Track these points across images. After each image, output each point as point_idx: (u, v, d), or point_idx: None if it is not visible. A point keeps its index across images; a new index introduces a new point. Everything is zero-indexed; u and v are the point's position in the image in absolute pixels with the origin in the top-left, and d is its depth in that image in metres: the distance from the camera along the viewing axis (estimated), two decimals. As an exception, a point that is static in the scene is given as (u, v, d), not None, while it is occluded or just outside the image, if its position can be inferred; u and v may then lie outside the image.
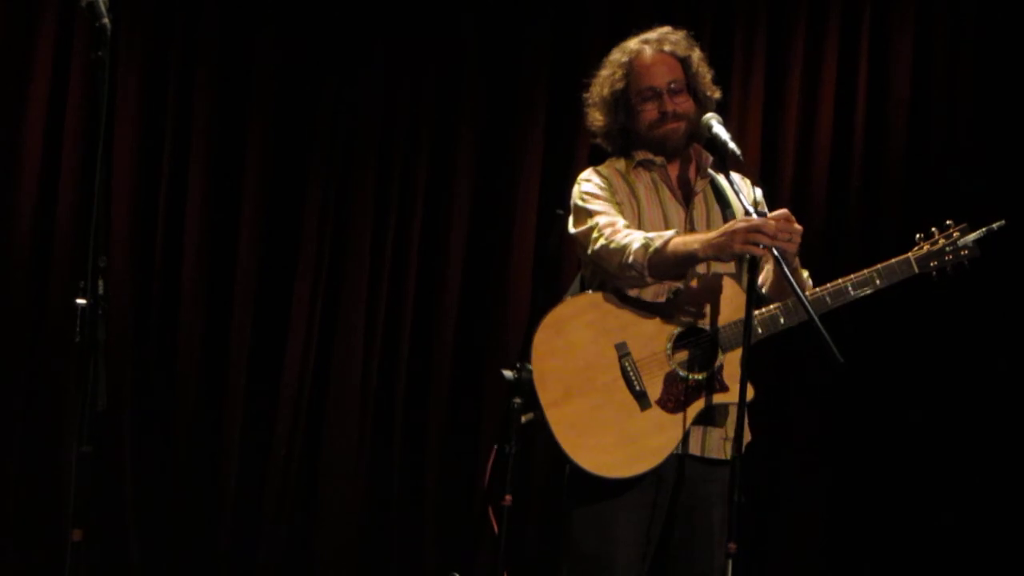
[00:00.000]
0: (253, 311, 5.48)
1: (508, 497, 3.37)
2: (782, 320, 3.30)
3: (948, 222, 3.46)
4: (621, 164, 3.49)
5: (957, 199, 5.12)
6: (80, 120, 5.23)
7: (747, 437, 3.16)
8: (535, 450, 4.66)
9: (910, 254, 3.42)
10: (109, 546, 5.17)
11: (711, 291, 3.31)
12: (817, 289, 3.35)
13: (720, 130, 3.31)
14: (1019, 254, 4.87)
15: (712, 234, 3.21)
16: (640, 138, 3.46)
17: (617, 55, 3.49)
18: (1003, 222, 3.42)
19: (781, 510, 5.38)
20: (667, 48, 3.44)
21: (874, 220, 5.43)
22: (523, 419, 3.34)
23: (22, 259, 5.22)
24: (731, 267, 3.38)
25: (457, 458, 5.52)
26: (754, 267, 3.19)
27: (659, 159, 3.45)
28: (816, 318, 3.06)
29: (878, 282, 3.36)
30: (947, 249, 3.42)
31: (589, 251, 3.34)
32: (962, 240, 3.43)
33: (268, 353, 5.48)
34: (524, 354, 3.30)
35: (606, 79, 3.48)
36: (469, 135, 5.64)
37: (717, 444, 3.35)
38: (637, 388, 3.26)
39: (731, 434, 3.32)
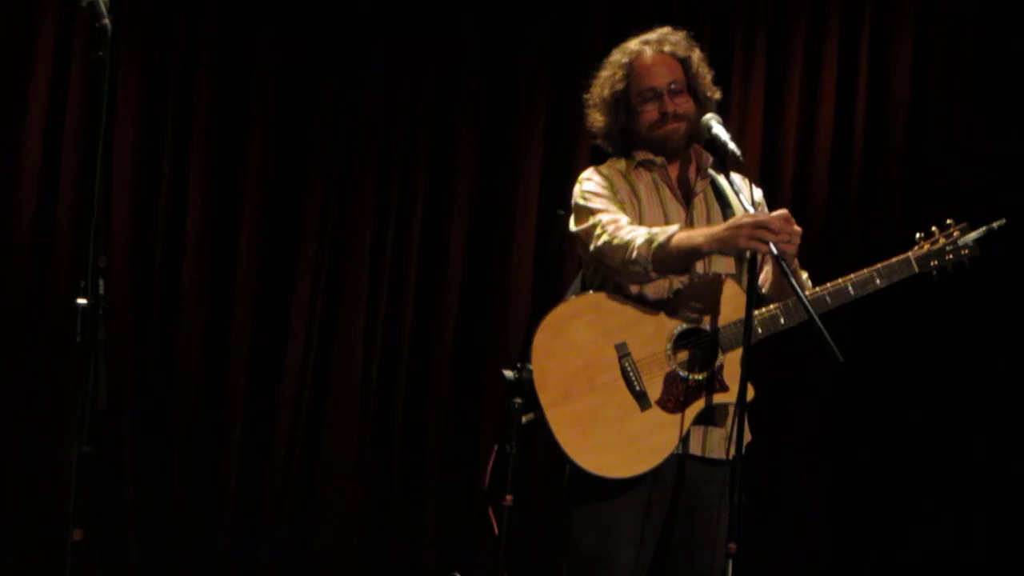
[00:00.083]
0: (253, 311, 5.48)
1: (508, 497, 3.37)
2: (782, 320, 3.30)
3: (948, 221, 3.46)
4: (622, 164, 3.49)
5: (957, 199, 5.12)
6: (80, 120, 5.23)
7: (747, 437, 3.16)
8: (535, 450, 4.66)
9: (910, 253, 3.42)
10: (109, 546, 5.17)
11: (711, 291, 3.31)
12: (817, 289, 3.35)
13: (720, 130, 3.32)
14: (1019, 254, 4.86)
15: (716, 228, 3.22)
16: (640, 139, 3.46)
17: (617, 56, 3.49)
18: (1003, 221, 3.43)
19: (781, 510, 5.38)
20: (667, 49, 3.45)
21: (874, 220, 5.43)
22: (523, 419, 3.34)
23: (22, 259, 5.22)
24: (731, 267, 3.38)
25: (457, 458, 5.52)
26: (754, 267, 3.19)
27: (659, 159, 3.46)
28: (816, 318, 3.06)
29: (878, 282, 3.36)
30: (947, 248, 3.43)
31: (591, 248, 3.34)
32: (962, 239, 3.43)
33: (268, 353, 5.48)
34: (524, 354, 3.30)
35: (606, 80, 3.48)
36: (469, 135, 5.64)
37: (718, 444, 3.35)
38: (637, 388, 3.26)
39: (731, 434, 3.32)
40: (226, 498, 5.38)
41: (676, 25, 3.55)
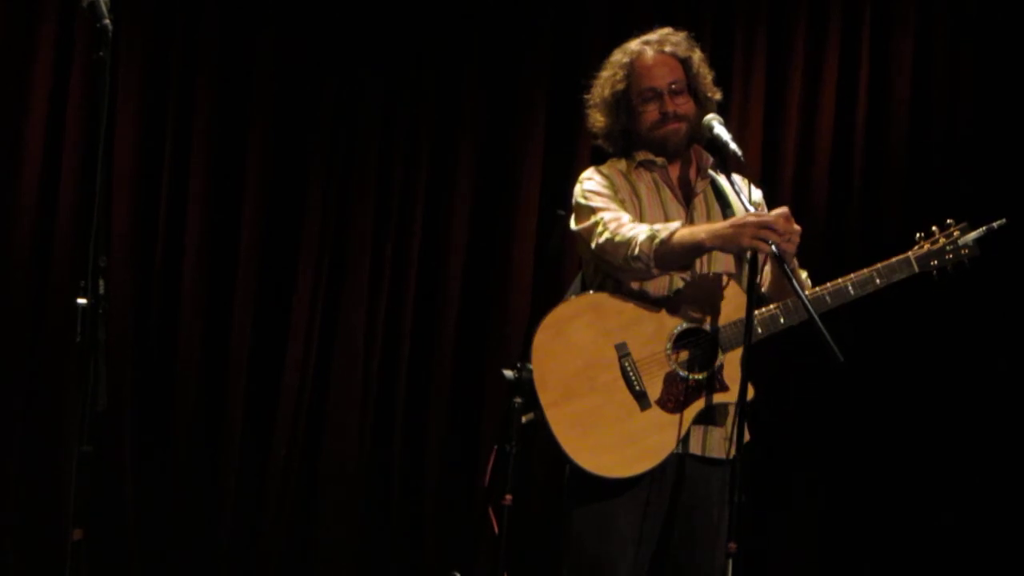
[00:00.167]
0: (253, 311, 5.48)
1: (508, 497, 3.37)
2: (782, 320, 3.30)
3: (948, 221, 3.46)
4: (622, 165, 3.50)
5: (957, 198, 5.12)
6: (80, 120, 5.22)
7: (746, 437, 3.16)
8: (535, 450, 4.65)
9: (910, 253, 3.42)
10: (109, 546, 5.16)
11: (711, 291, 3.32)
12: (817, 289, 3.35)
13: (721, 131, 3.32)
14: (1019, 254, 4.86)
15: (720, 225, 3.23)
16: (641, 139, 3.46)
17: (618, 56, 3.49)
18: (1003, 221, 3.43)
19: (781, 510, 5.38)
20: (668, 49, 3.45)
21: (874, 220, 5.43)
22: (523, 419, 3.34)
23: (22, 259, 5.22)
24: (731, 266, 3.39)
25: (457, 458, 5.52)
26: (754, 266, 3.19)
27: (660, 160, 3.46)
28: (816, 318, 3.07)
29: (878, 281, 3.36)
30: (947, 248, 3.43)
31: (593, 245, 3.34)
32: (962, 239, 3.43)
33: (268, 353, 5.48)
34: (524, 354, 3.30)
35: (607, 80, 3.49)
36: (469, 135, 5.64)
37: (718, 444, 3.35)
38: (637, 388, 3.26)
39: (731, 434, 3.33)
40: (226, 498, 5.38)
41: (676, 25, 3.55)
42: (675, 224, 3.27)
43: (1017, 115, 5.30)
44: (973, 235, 3.44)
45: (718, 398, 3.28)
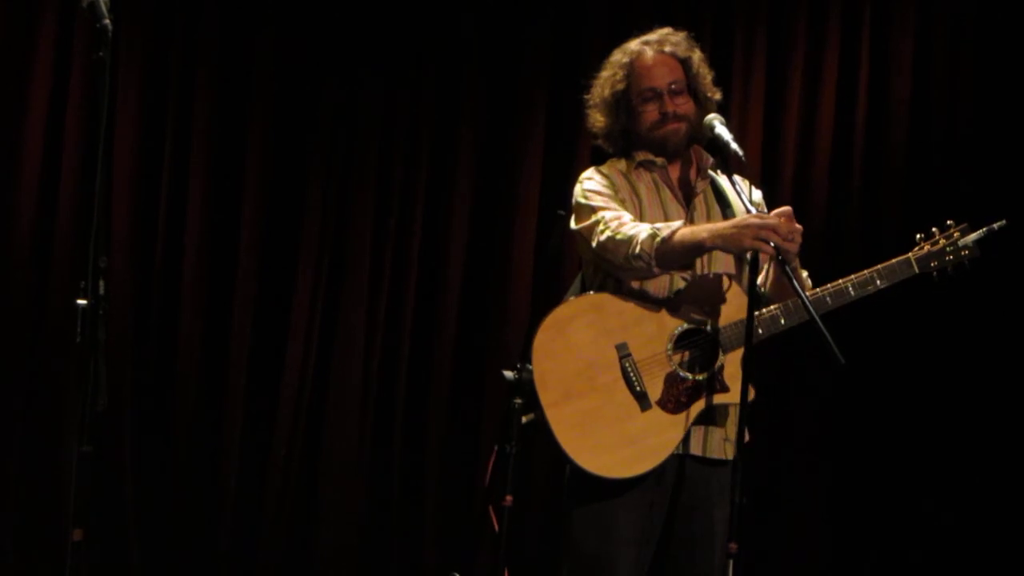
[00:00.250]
0: (253, 311, 5.48)
1: (508, 497, 3.37)
2: (783, 320, 3.30)
3: (949, 222, 3.46)
4: (622, 165, 3.50)
5: (957, 199, 5.12)
6: (80, 120, 5.22)
7: (746, 438, 3.16)
8: (535, 450, 4.66)
9: (910, 254, 3.42)
10: (109, 546, 5.17)
11: (712, 291, 3.31)
12: (817, 289, 3.35)
13: (723, 131, 3.32)
14: (1019, 254, 4.86)
15: (721, 225, 3.23)
16: (641, 139, 3.46)
17: (618, 56, 3.49)
18: (1004, 222, 3.42)
19: (781, 510, 5.38)
20: (668, 49, 3.45)
21: (874, 220, 5.43)
22: (524, 419, 3.34)
23: (22, 259, 5.22)
24: (731, 267, 3.39)
25: (457, 458, 5.52)
26: (755, 267, 3.19)
27: (660, 160, 3.46)
28: (817, 318, 3.07)
29: (878, 282, 3.36)
30: (948, 249, 3.42)
31: (594, 244, 3.33)
32: (963, 240, 3.43)
33: (268, 353, 5.48)
34: (525, 355, 3.30)
35: (607, 80, 3.49)
36: (469, 135, 5.64)
37: (718, 444, 3.35)
38: (638, 389, 3.26)
39: (732, 435, 3.33)
40: (226, 498, 5.38)
41: (676, 25, 3.55)
42: (677, 223, 3.27)
43: (1017, 115, 5.30)
44: (973, 236, 3.43)
45: (719, 399, 3.28)
